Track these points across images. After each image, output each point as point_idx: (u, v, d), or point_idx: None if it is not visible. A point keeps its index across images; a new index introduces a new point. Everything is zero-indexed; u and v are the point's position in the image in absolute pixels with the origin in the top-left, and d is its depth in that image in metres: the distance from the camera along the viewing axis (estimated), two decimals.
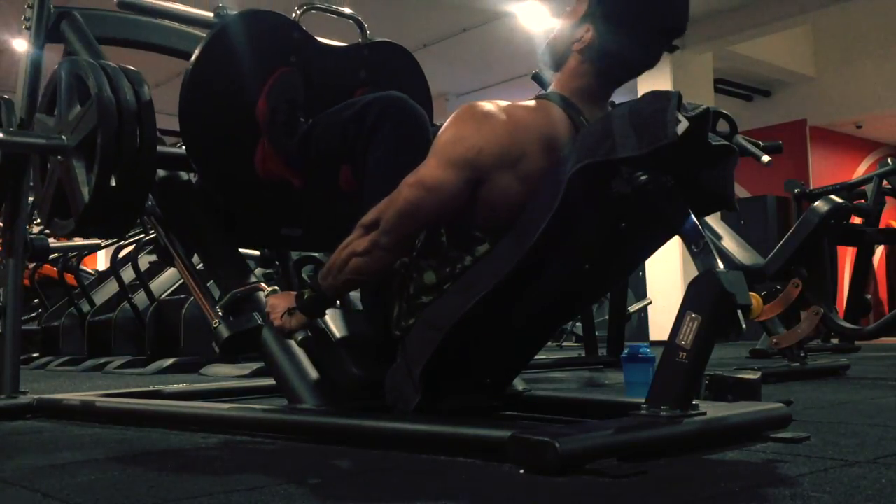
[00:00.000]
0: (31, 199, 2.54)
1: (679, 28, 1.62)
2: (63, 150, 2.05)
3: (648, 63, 1.64)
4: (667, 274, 7.52)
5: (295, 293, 1.77)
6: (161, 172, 2.20)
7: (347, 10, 2.39)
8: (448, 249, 1.65)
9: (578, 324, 5.48)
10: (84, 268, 7.12)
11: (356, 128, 1.84)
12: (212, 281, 2.24)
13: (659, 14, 1.60)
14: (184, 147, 2.13)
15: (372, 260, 1.62)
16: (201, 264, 2.23)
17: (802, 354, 3.17)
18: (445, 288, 1.65)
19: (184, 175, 2.26)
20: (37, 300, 6.85)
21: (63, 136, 2.06)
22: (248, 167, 2.10)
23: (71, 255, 6.11)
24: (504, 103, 1.62)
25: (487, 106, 1.60)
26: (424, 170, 1.58)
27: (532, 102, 1.66)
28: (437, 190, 1.56)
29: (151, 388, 2.59)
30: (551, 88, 1.69)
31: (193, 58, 2.06)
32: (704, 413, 1.41)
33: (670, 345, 1.38)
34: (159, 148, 2.11)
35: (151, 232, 4.74)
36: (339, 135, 1.89)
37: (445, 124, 1.62)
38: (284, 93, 2.07)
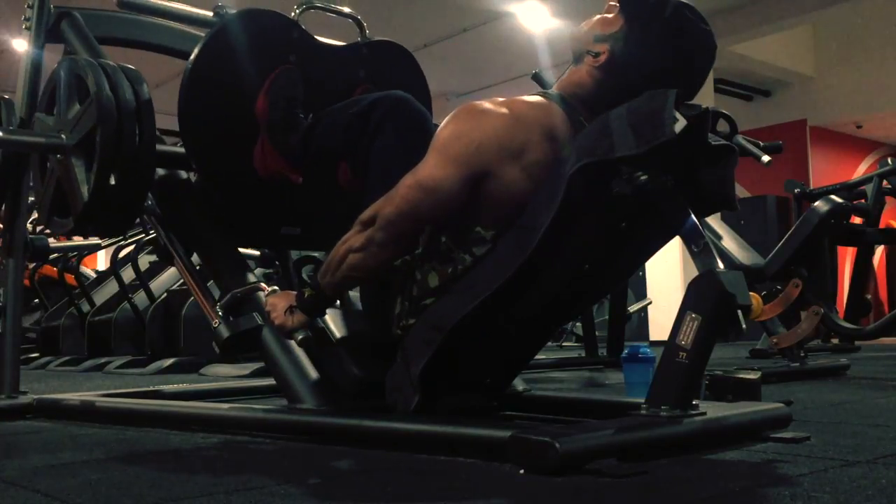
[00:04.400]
0: (31, 199, 2.53)
1: (689, 95, 1.53)
2: (62, 149, 2.05)
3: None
4: (667, 274, 7.51)
5: (295, 293, 1.77)
6: (160, 171, 2.20)
7: (346, 10, 2.39)
8: (451, 251, 1.65)
9: (578, 324, 5.47)
10: (84, 268, 7.11)
11: (360, 125, 1.84)
12: (212, 281, 2.24)
13: (673, 82, 1.44)
14: (183, 146, 2.13)
15: (368, 256, 1.61)
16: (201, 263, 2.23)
17: (802, 354, 3.17)
18: (448, 289, 1.64)
19: (183, 174, 2.27)
20: (37, 300, 6.85)
21: (62, 135, 2.06)
22: (247, 165, 2.09)
23: (71, 255, 6.10)
24: (502, 99, 1.62)
25: (485, 103, 1.61)
26: (423, 170, 1.57)
27: (532, 97, 1.66)
28: (435, 190, 1.55)
29: (151, 388, 2.59)
30: (553, 89, 1.69)
31: (193, 56, 2.06)
32: (704, 413, 1.41)
33: (670, 345, 1.38)
34: (158, 147, 2.12)
35: (151, 232, 4.74)
36: (342, 131, 1.89)
37: (443, 122, 1.62)
38: (284, 90, 2.07)
